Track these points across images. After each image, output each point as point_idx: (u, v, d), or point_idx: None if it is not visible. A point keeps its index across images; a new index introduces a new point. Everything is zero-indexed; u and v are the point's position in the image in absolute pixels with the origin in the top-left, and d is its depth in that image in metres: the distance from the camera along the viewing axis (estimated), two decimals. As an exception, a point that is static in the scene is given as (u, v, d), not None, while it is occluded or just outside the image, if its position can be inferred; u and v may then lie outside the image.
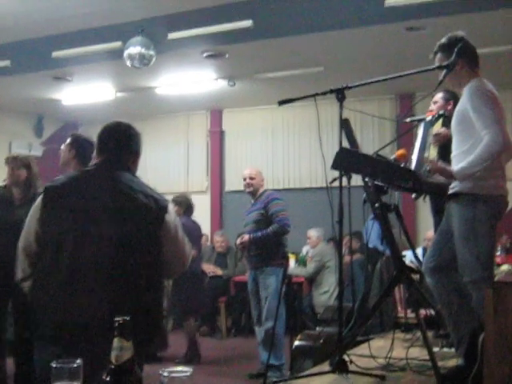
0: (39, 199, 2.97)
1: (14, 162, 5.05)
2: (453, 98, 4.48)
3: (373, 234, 7.08)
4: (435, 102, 4.67)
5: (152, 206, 2.98)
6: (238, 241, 6.65)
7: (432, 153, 4.34)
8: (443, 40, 3.82)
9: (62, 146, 4.28)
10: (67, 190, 2.95)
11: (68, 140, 4.31)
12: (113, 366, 1.49)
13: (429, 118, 4.54)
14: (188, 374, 1.54)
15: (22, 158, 5.12)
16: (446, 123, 4.29)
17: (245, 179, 6.77)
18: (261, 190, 6.77)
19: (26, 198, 4.84)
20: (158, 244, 2.97)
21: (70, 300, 2.77)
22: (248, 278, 6.84)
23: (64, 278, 2.78)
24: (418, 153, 4.30)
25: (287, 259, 6.22)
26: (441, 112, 4.48)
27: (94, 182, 3.00)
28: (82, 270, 2.81)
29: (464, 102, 3.69)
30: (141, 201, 2.96)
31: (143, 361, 2.73)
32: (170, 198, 8.31)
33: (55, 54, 8.74)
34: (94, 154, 3.19)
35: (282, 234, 6.51)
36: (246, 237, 6.52)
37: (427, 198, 4.67)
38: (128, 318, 1.51)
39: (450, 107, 4.49)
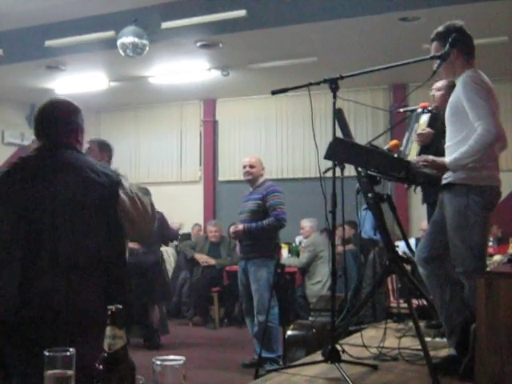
0: None
1: None
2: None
3: (367, 224, 7.11)
4: (438, 90, 4.64)
5: (104, 183, 2.83)
6: (232, 229, 6.59)
7: (413, 150, 4.35)
8: (440, 28, 3.80)
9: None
10: (11, 181, 2.80)
11: None
12: (106, 354, 1.49)
13: (419, 110, 4.54)
14: (181, 362, 1.54)
15: None
16: (432, 121, 4.28)
17: (244, 167, 6.65)
18: (260, 180, 6.65)
19: None
20: (117, 221, 2.85)
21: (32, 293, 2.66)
22: (238, 268, 6.78)
23: (22, 271, 2.67)
24: (405, 145, 4.33)
25: (279, 249, 6.16)
26: (429, 108, 4.46)
27: (38, 168, 2.83)
28: (41, 264, 2.68)
29: (458, 93, 3.68)
30: (92, 179, 2.80)
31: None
32: (164, 188, 8.32)
33: (48, 42, 8.71)
34: (33, 140, 3.06)
35: (277, 228, 6.42)
36: (240, 226, 6.44)
37: (418, 189, 4.67)
38: (120, 307, 1.51)
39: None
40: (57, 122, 2.94)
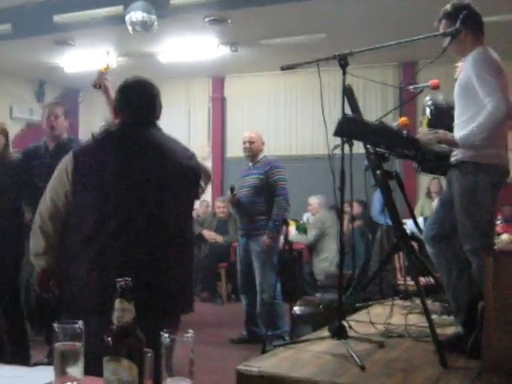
0: (68, 163, 2.87)
1: None
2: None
3: (377, 204, 7.10)
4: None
5: (194, 168, 3.08)
6: (267, 245, 6.27)
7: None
8: (448, 7, 3.78)
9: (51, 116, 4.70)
10: (104, 151, 2.88)
11: (61, 110, 4.76)
12: (114, 327, 1.50)
13: (429, 101, 4.42)
14: (189, 336, 1.55)
15: (1, 125, 5.12)
16: (433, 121, 4.17)
17: (244, 142, 6.62)
18: (260, 155, 6.60)
19: (1, 163, 4.87)
20: (192, 202, 3.15)
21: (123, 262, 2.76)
22: (238, 245, 6.73)
23: (111, 241, 2.77)
24: None
25: (287, 226, 6.11)
26: (427, 103, 4.31)
27: (129, 143, 2.93)
28: (129, 235, 2.79)
29: (467, 71, 3.66)
30: (186, 164, 3.02)
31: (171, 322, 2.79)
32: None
33: (56, 18, 8.68)
34: (110, 112, 3.13)
35: (287, 208, 6.39)
36: (267, 240, 6.21)
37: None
38: (129, 280, 1.52)
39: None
40: (146, 100, 3.08)
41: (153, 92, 3.11)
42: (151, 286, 2.73)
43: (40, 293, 3.11)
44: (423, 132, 3.86)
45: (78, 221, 2.82)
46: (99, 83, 3.69)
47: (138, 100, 3.05)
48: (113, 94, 3.39)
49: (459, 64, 4.46)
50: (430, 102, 4.17)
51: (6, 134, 5.00)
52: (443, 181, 8.00)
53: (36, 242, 2.96)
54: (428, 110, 4.14)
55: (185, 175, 2.99)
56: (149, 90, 3.10)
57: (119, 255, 2.76)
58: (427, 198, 9.14)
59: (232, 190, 6.60)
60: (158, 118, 3.13)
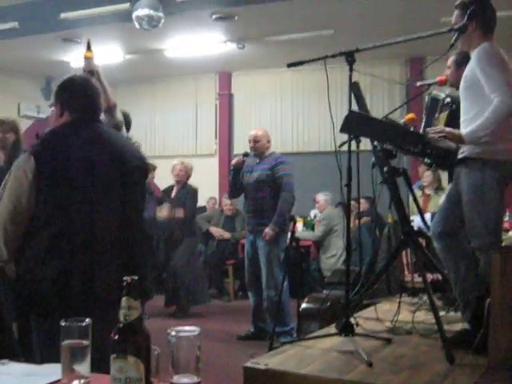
0: (28, 161, 2.78)
1: (3, 126, 5.07)
2: (466, 63, 4.33)
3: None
4: (448, 67, 4.58)
5: (145, 162, 3.13)
6: (267, 237, 6.27)
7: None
8: None
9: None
10: (59, 149, 2.86)
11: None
12: (121, 325, 1.50)
13: (435, 91, 4.44)
14: (196, 333, 1.55)
15: (11, 122, 5.13)
16: (451, 120, 4.13)
17: (249, 141, 6.57)
18: (267, 152, 6.55)
19: (12, 161, 4.88)
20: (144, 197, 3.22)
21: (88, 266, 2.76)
22: (246, 241, 6.71)
23: (79, 243, 2.75)
24: (424, 126, 4.27)
25: (295, 223, 6.09)
26: (447, 100, 4.28)
27: (87, 139, 2.93)
28: (93, 235, 2.79)
29: (472, 66, 3.65)
30: (139, 158, 3.09)
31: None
32: (177, 160, 8.34)
33: (63, 15, 8.69)
34: (58, 108, 3.04)
35: (293, 203, 6.39)
36: (269, 231, 6.23)
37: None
38: (136, 278, 1.53)
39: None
40: (93, 98, 3.05)
41: (98, 91, 3.11)
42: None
43: None
44: (429, 129, 3.84)
45: (45, 220, 2.77)
46: (91, 69, 3.69)
47: (88, 97, 3.04)
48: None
49: (447, 64, 4.44)
50: (449, 100, 4.16)
51: (16, 130, 5.01)
52: (442, 175, 7.97)
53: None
54: (448, 109, 4.13)
55: (140, 169, 3.07)
56: (96, 89, 3.10)
57: (92, 252, 2.77)
58: (419, 190, 9.04)
59: (245, 155, 6.62)
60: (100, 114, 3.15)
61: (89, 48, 3.80)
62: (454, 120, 3.93)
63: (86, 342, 1.64)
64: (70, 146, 2.85)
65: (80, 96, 3.02)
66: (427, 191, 8.55)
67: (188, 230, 8.06)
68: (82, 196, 2.80)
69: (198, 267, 8.50)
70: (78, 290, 2.71)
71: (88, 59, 3.79)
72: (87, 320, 1.66)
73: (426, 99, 4.39)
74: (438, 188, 8.36)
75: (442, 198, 7.35)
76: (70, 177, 2.80)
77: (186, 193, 8.08)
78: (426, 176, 8.57)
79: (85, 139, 2.90)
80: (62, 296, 2.69)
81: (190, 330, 1.56)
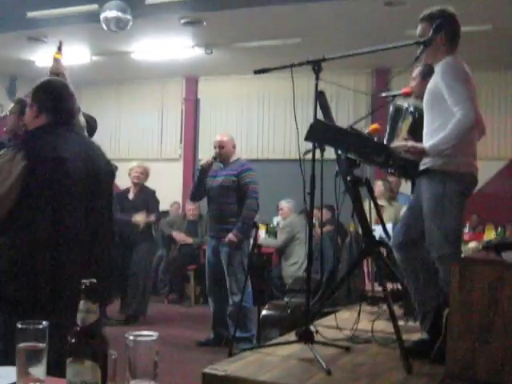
0: (16, 156, 2.77)
1: None
2: (432, 74, 4.35)
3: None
4: (414, 79, 4.61)
5: (111, 170, 3.21)
6: (227, 240, 6.26)
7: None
8: (428, 11, 3.78)
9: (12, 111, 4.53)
10: (48, 147, 2.88)
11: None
12: (78, 328, 1.49)
13: (399, 102, 4.46)
14: (154, 338, 1.54)
15: None
16: (414, 127, 4.14)
17: (214, 147, 6.54)
18: (233, 158, 6.53)
19: None
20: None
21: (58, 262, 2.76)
22: (208, 247, 6.68)
23: (49, 240, 2.76)
24: (387, 136, 4.30)
25: (257, 229, 6.09)
26: (410, 109, 4.31)
27: (61, 141, 2.95)
28: (65, 234, 2.81)
29: (436, 79, 3.68)
30: (109, 163, 3.16)
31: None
32: (136, 162, 8.27)
33: (30, 14, 8.61)
34: (35, 111, 3.02)
35: (257, 209, 6.37)
36: (232, 237, 6.20)
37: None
38: (94, 281, 1.51)
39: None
40: (69, 102, 3.08)
41: (74, 95, 3.14)
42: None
43: None
44: (393, 144, 3.86)
45: (28, 222, 2.76)
46: (58, 71, 3.66)
47: (65, 101, 3.06)
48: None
49: (412, 76, 4.48)
50: (412, 109, 4.19)
51: None
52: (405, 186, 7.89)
53: None
54: (410, 117, 4.16)
55: (111, 173, 3.17)
56: (72, 93, 3.13)
57: (56, 252, 2.77)
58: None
59: (215, 158, 6.54)
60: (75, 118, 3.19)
61: (59, 49, 3.78)
62: (416, 128, 3.96)
63: (42, 345, 1.62)
64: (55, 147, 2.87)
65: (57, 99, 3.02)
66: (380, 202, 8.38)
67: (148, 235, 7.98)
68: (71, 201, 2.85)
69: (152, 275, 8.51)
70: (43, 288, 2.69)
71: (57, 60, 3.76)
72: (44, 323, 1.64)
73: (390, 109, 4.42)
74: (392, 198, 8.08)
75: (396, 209, 7.42)
76: (57, 178, 2.83)
77: (146, 196, 8.00)
78: (377, 186, 7.84)
79: (63, 141, 2.92)
80: (26, 294, 2.68)
81: (148, 334, 1.55)
